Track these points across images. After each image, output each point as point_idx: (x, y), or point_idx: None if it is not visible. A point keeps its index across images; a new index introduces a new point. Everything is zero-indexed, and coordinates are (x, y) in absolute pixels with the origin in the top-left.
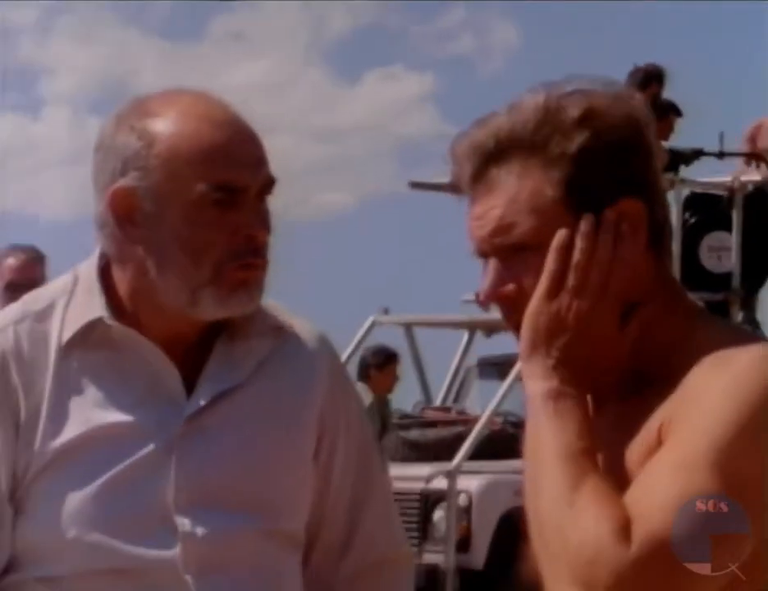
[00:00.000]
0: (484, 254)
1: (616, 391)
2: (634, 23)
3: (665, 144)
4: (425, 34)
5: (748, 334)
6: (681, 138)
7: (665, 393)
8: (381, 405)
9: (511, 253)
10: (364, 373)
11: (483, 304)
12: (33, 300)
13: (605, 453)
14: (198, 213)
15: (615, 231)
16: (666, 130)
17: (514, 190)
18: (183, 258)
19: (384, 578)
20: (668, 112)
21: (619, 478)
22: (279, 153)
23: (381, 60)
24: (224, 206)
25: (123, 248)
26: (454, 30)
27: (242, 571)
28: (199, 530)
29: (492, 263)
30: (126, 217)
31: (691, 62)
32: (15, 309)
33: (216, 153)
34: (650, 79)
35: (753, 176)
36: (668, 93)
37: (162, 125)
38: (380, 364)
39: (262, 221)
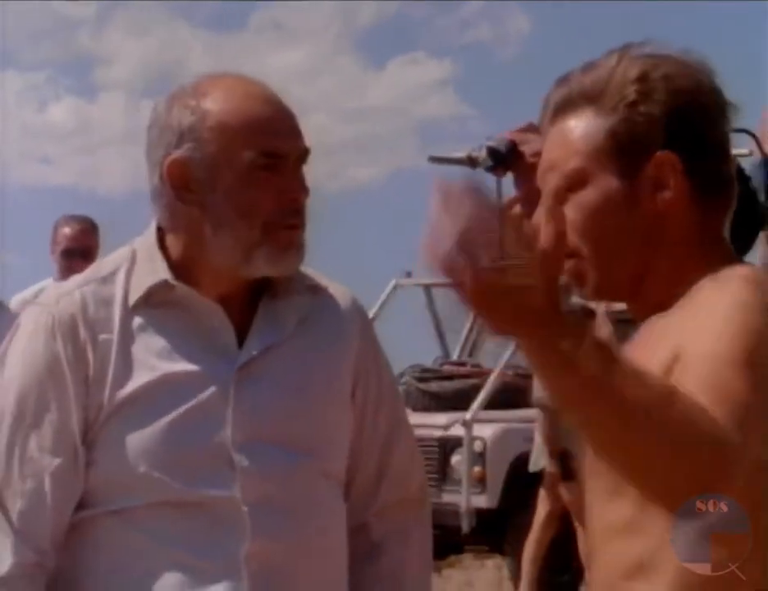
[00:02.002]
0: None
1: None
2: (638, 12)
3: None
4: (445, 24)
5: None
6: None
7: (678, 315)
8: None
9: (560, 192)
10: None
11: None
12: (96, 268)
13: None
14: (247, 178)
15: (651, 181)
16: None
17: (570, 135)
18: (236, 219)
19: (408, 514)
20: None
21: None
22: (314, 131)
23: (404, 47)
24: (269, 171)
25: (179, 215)
26: (472, 20)
27: (294, 504)
28: (255, 466)
29: (543, 200)
30: (182, 185)
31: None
32: (80, 276)
33: (260, 124)
34: None
35: (741, 150)
36: None
37: (212, 102)
38: None
39: (302, 185)
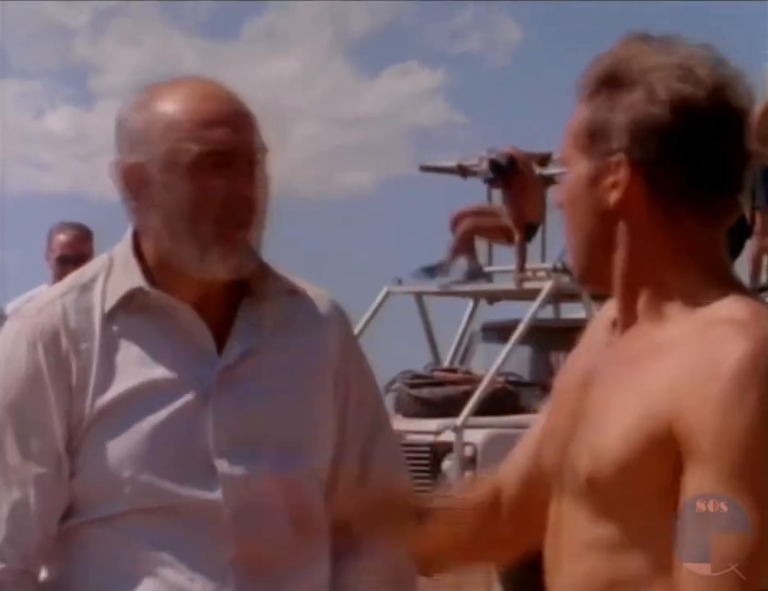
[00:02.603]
0: None
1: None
2: (629, 18)
3: None
4: (437, 33)
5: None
6: None
7: (665, 357)
8: None
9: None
10: None
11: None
12: (76, 276)
13: (601, 385)
14: (195, 176)
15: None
16: None
17: (571, 120)
18: (188, 221)
19: None
20: None
21: (605, 416)
22: (307, 138)
23: (397, 56)
24: (218, 169)
25: (142, 218)
26: (464, 29)
27: (277, 506)
28: (236, 470)
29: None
30: (138, 188)
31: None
32: (61, 285)
33: (208, 122)
34: None
35: None
36: None
37: (164, 105)
38: None
39: (253, 181)
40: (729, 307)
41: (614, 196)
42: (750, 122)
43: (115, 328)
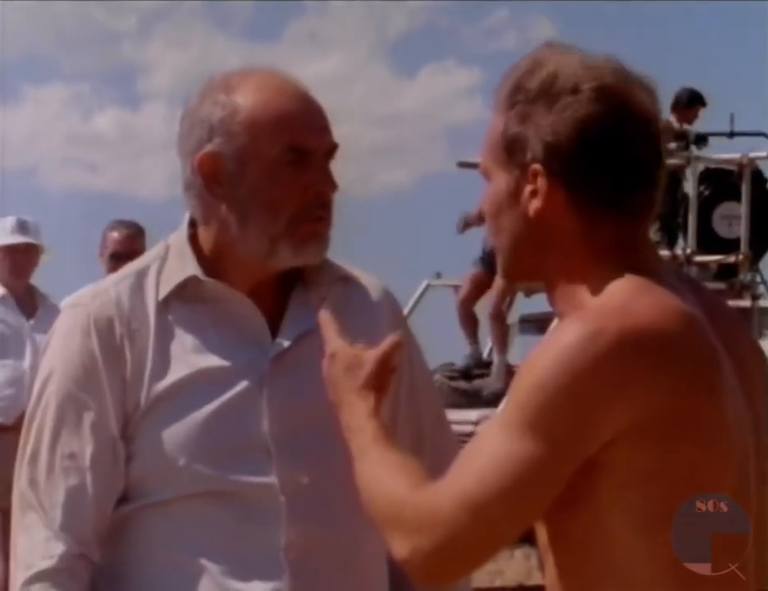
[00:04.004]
0: None
1: None
2: (661, 16)
3: (690, 127)
4: (473, 33)
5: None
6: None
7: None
8: None
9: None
10: None
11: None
12: (130, 266)
13: None
14: (275, 172)
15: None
16: (692, 117)
17: (487, 132)
18: (262, 213)
19: None
20: (695, 103)
21: None
22: (347, 137)
23: (434, 56)
24: (296, 166)
25: (209, 207)
26: (499, 29)
27: (331, 491)
28: (291, 455)
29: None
30: (212, 178)
31: (710, 53)
32: (116, 274)
33: (288, 120)
34: (694, 100)
35: (760, 153)
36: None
37: (243, 97)
38: None
39: (329, 179)
40: (603, 298)
41: (534, 205)
42: (661, 125)
43: (169, 316)
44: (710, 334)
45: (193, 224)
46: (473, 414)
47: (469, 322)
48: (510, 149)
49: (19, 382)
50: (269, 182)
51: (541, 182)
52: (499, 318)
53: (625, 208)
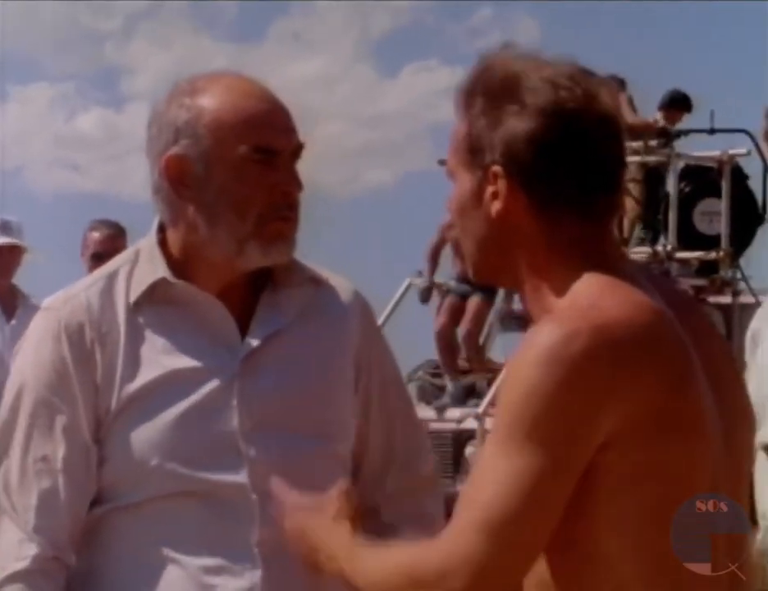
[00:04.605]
0: None
1: None
2: (648, 15)
3: (674, 128)
4: (457, 32)
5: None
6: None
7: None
8: None
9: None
10: None
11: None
12: (102, 270)
13: None
14: (241, 173)
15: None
16: (675, 119)
17: (451, 133)
18: (229, 213)
19: (421, 499)
20: (682, 108)
21: None
22: (332, 137)
23: (418, 55)
24: (263, 166)
25: (176, 209)
26: (483, 28)
27: (302, 489)
28: (262, 453)
29: None
30: (179, 180)
31: (691, 51)
32: (86, 278)
33: (254, 120)
34: (679, 103)
35: (740, 150)
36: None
37: (208, 100)
38: None
39: (296, 179)
40: (571, 298)
41: (495, 206)
42: (620, 126)
43: (140, 319)
44: (680, 329)
45: (162, 228)
46: (455, 412)
47: (449, 354)
48: (472, 151)
49: None
50: (236, 183)
51: (501, 184)
52: (473, 342)
53: (585, 208)
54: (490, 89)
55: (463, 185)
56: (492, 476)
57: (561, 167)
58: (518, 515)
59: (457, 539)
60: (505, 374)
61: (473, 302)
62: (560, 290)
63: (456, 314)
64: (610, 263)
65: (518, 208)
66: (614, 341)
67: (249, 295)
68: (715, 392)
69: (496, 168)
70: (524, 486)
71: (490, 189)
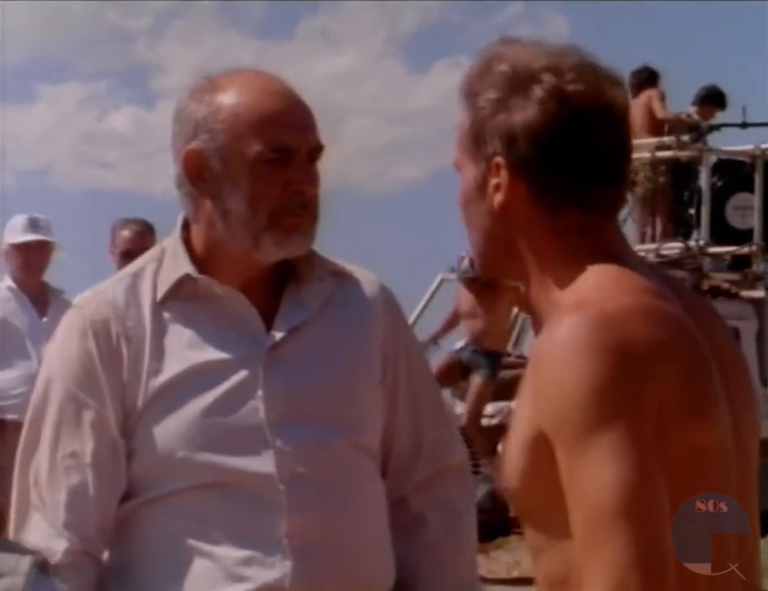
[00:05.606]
0: None
1: None
2: (671, 15)
3: (705, 122)
4: (486, 29)
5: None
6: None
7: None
8: None
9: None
10: None
11: None
12: (129, 267)
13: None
14: (256, 170)
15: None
16: (708, 116)
17: (457, 125)
18: (242, 209)
19: (448, 485)
20: (716, 104)
21: (516, 423)
22: (360, 133)
23: (446, 52)
24: (278, 164)
25: (196, 204)
26: (513, 25)
27: (329, 479)
28: (288, 444)
29: None
30: (197, 174)
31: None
32: (114, 276)
33: (270, 118)
34: (713, 100)
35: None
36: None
37: (227, 96)
38: None
39: (311, 178)
40: (576, 291)
41: (497, 198)
42: (628, 117)
43: (165, 315)
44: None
45: (187, 225)
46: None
47: (480, 438)
48: (476, 142)
49: (32, 379)
50: (250, 179)
51: (504, 175)
52: (474, 424)
53: (588, 199)
54: (492, 81)
55: (468, 177)
56: (590, 486)
57: (558, 157)
58: (636, 488)
59: (592, 555)
60: (537, 381)
61: (475, 382)
62: (565, 281)
63: (484, 397)
64: (614, 254)
65: (520, 200)
66: (638, 325)
67: (271, 290)
68: (724, 385)
69: (498, 159)
70: (622, 470)
71: (493, 180)
